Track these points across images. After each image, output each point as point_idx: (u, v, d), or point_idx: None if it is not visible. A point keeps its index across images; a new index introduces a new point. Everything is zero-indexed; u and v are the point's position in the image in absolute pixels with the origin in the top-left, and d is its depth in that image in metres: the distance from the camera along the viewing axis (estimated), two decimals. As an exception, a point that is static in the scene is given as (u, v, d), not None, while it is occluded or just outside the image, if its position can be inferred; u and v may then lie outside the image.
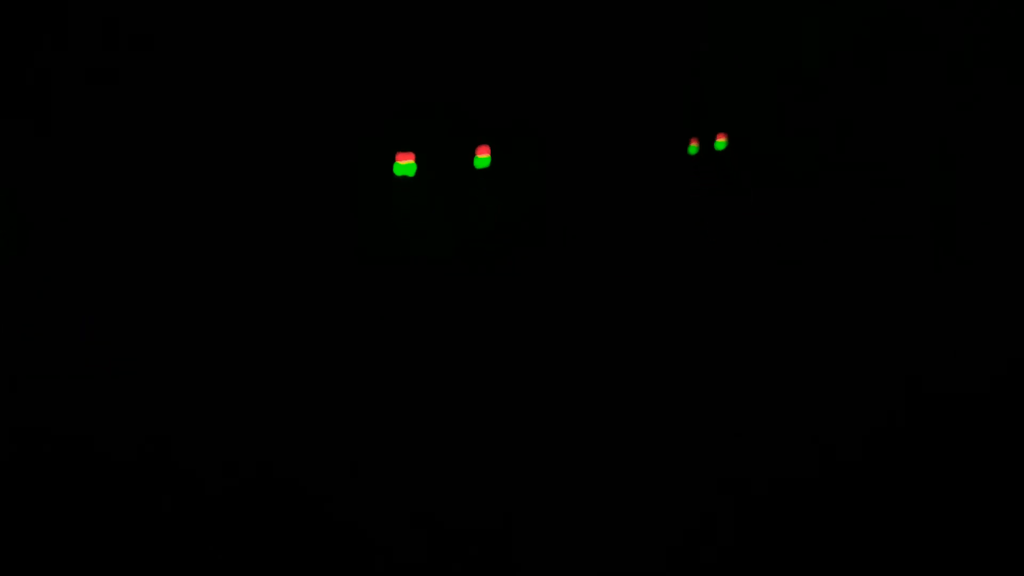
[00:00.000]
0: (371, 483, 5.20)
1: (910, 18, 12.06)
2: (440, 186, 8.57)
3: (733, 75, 11.85)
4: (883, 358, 7.41)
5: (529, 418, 6.10)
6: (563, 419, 6.11)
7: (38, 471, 5.21)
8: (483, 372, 6.85)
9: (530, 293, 8.60)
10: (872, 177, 12.80)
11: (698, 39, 11.13)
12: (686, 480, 5.29)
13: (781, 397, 6.58)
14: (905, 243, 11.11)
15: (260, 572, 4.31)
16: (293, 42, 7.25)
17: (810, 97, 12.35)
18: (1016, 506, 5.05)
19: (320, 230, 7.58)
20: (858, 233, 11.58)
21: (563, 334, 7.68)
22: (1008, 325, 8.32)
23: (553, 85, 9.64)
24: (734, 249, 10.59)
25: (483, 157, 9.19)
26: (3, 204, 5.89)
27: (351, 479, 5.24)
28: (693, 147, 12.00)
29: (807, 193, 12.69)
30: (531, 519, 4.84)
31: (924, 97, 12.51)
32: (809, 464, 5.53)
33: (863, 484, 5.29)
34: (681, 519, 4.86)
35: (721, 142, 12.40)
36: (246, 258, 7.20)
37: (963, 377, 7.02)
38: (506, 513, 4.89)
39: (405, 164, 8.25)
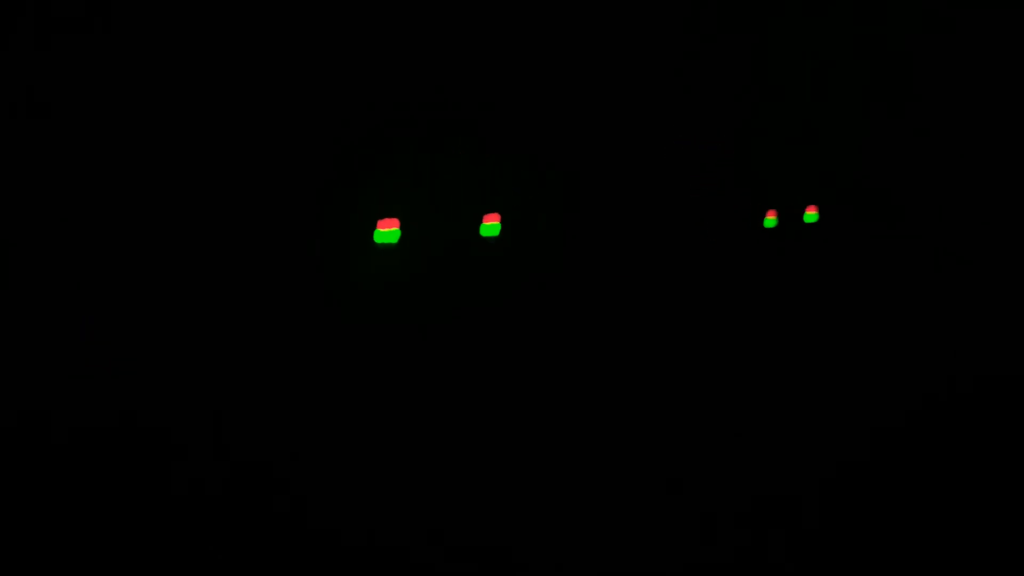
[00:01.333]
0: (371, 484, 5.22)
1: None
2: (431, 258, 8.30)
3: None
4: (883, 358, 7.47)
5: (530, 419, 6.17)
6: (564, 419, 6.17)
7: (37, 471, 5.24)
8: (485, 372, 6.96)
9: (530, 294, 8.53)
10: (871, 175, 12.73)
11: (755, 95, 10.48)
12: (686, 480, 5.31)
13: (781, 397, 6.60)
14: (905, 243, 11.18)
15: (260, 572, 4.31)
16: (281, 87, 7.17)
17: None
18: (1017, 506, 5.05)
19: (320, 232, 7.49)
20: (858, 233, 11.60)
21: (564, 335, 7.73)
22: (1007, 325, 8.43)
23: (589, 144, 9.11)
24: (732, 249, 10.61)
25: (492, 224, 8.86)
26: None
27: (351, 479, 5.27)
28: (771, 220, 10.68)
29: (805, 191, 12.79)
30: (530, 519, 4.84)
31: (923, 94, 12.43)
32: (808, 464, 5.55)
33: (863, 484, 5.29)
34: (681, 519, 4.85)
35: (812, 215, 10.98)
36: (248, 265, 7.14)
37: (962, 377, 7.09)
38: (507, 514, 4.90)
39: (388, 231, 7.93)
